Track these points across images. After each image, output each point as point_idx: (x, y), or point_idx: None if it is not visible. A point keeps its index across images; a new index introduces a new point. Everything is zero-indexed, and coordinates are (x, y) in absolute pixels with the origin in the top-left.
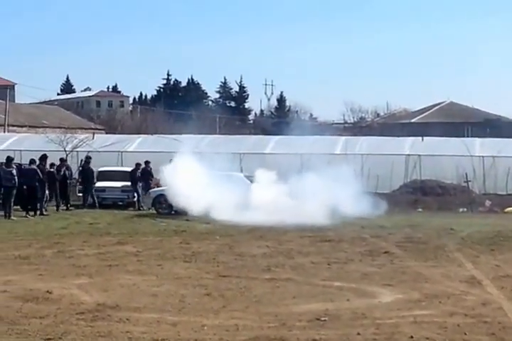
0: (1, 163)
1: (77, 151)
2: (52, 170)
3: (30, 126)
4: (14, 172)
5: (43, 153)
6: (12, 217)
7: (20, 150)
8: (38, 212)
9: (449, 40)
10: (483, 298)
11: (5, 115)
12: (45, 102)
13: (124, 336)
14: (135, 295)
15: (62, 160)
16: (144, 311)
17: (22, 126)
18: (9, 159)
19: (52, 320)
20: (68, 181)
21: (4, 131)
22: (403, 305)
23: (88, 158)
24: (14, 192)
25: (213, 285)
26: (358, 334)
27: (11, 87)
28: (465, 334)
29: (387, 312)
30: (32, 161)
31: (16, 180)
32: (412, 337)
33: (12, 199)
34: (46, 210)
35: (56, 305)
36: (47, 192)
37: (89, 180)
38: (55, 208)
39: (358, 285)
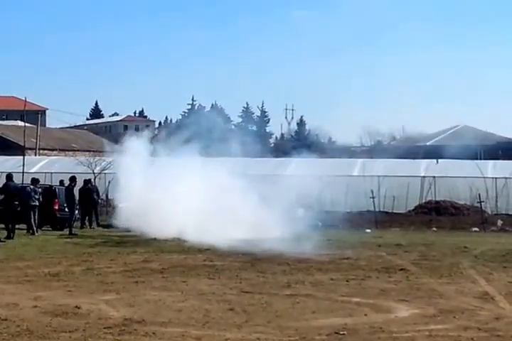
0: (29, 183)
1: (105, 173)
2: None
3: (60, 150)
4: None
5: (72, 174)
6: (37, 233)
7: (51, 173)
8: (68, 231)
9: (463, 64)
10: (496, 312)
11: (36, 139)
12: (74, 127)
13: None
14: (161, 310)
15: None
16: (169, 325)
17: (52, 150)
18: (35, 180)
19: (81, 334)
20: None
21: (35, 155)
22: (419, 319)
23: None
24: (36, 210)
25: (236, 300)
26: None
27: (42, 112)
28: None
29: (403, 327)
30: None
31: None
32: None
33: (36, 217)
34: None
35: (84, 320)
36: (76, 211)
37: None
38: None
39: (376, 301)
